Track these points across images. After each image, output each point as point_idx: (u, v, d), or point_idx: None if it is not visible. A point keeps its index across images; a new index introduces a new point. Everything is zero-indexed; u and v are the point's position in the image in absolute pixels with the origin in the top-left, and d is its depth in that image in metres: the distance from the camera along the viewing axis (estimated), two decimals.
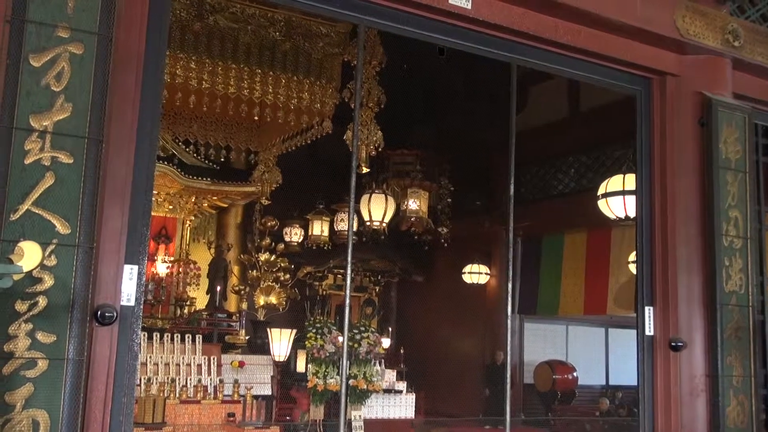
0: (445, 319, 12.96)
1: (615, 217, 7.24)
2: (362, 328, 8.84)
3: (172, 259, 10.38)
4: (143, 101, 3.61)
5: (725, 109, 5.07)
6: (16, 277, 2.68)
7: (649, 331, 5.02)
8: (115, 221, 3.43)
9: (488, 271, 12.70)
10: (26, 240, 2.66)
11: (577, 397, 12.72)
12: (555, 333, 14.00)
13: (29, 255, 2.45)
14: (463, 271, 12.70)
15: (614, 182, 7.21)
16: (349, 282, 4.57)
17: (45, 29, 3.16)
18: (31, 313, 3.01)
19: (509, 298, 5.43)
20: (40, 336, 3.03)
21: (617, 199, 7.13)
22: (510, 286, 5.66)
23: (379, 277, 14.16)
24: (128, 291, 3.50)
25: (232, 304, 10.63)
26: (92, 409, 3.29)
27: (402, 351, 13.71)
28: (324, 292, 13.60)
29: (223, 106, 7.52)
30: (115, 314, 3.36)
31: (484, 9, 4.48)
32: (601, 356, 14.54)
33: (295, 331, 8.45)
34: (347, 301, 4.51)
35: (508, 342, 5.65)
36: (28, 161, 3.07)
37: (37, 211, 3.06)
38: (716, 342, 4.81)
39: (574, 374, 12.62)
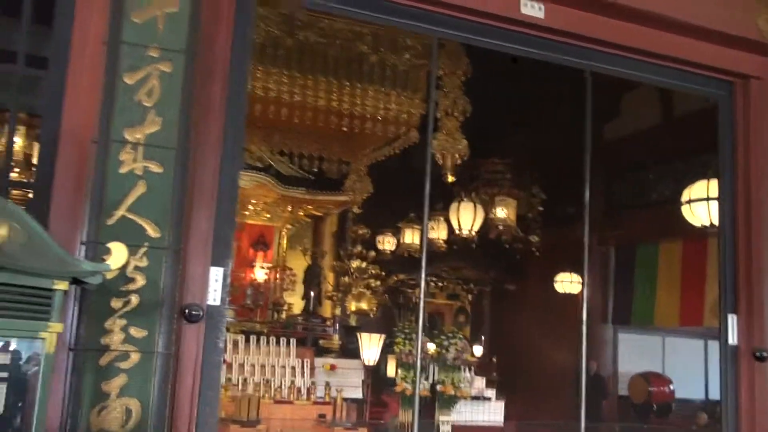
0: (538, 328, 12.84)
1: (699, 225, 7.07)
2: (450, 335, 8.92)
3: (269, 265, 10.69)
4: (228, 113, 3.79)
5: None
6: (108, 275, 2.92)
7: (732, 340, 4.90)
8: (202, 226, 3.62)
9: (580, 280, 12.49)
10: (118, 243, 2.83)
11: (674, 410, 12.31)
12: (651, 344, 13.58)
13: (116, 255, 2.65)
14: (555, 279, 12.55)
15: (698, 188, 7.03)
16: (423, 286, 4.70)
17: (138, 50, 3.38)
18: (124, 310, 3.22)
19: (584, 304, 5.38)
20: (133, 331, 3.23)
21: (701, 205, 6.94)
22: (585, 291, 5.60)
23: (472, 286, 14.16)
24: (214, 292, 3.70)
25: (326, 310, 10.87)
26: (180, 400, 3.48)
27: (494, 360, 13.72)
28: (416, 300, 13.71)
29: (314, 118, 7.77)
30: (201, 313, 3.57)
31: (557, 17, 4.50)
32: (700, 369, 14.01)
33: (384, 336, 8.60)
34: (422, 304, 4.62)
35: (583, 348, 5.53)
36: (122, 171, 3.30)
37: (130, 217, 3.28)
38: None
39: (671, 387, 12.22)
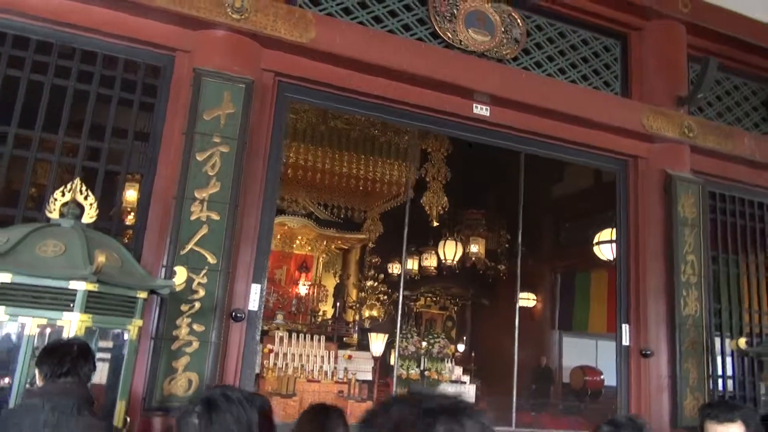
0: (504, 332, 12.79)
1: (605, 259, 7.15)
2: (435, 335, 9.00)
3: (309, 283, 10.81)
4: (267, 179, 4.03)
5: (683, 182, 5.03)
6: (178, 288, 3.15)
7: (626, 342, 4.98)
8: (246, 256, 3.84)
9: (534, 297, 12.52)
10: (183, 266, 3.03)
11: (603, 394, 12.16)
12: (587, 345, 13.44)
13: (179, 274, 2.86)
14: (512, 297, 12.56)
15: (605, 234, 7.14)
16: (401, 299, 4.84)
17: (206, 137, 3.66)
18: (190, 312, 3.44)
19: (516, 313, 5.45)
20: (195, 326, 3.44)
21: (607, 246, 7.04)
22: (518, 306, 5.63)
23: (457, 300, 14.19)
24: (253, 301, 3.91)
25: (349, 316, 10.95)
26: (227, 373, 3.66)
27: (473, 354, 13.70)
28: (417, 310, 13.76)
29: (339, 180, 7.99)
30: (244, 315, 3.78)
31: (498, 115, 4.69)
32: None
33: (387, 335, 8.69)
34: (399, 305, 4.74)
35: (515, 346, 5.61)
36: (192, 218, 3.54)
37: (196, 249, 3.52)
38: (675, 352, 4.73)
39: (601, 377, 12.09)
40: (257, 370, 8.37)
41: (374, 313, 9.88)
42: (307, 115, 7.42)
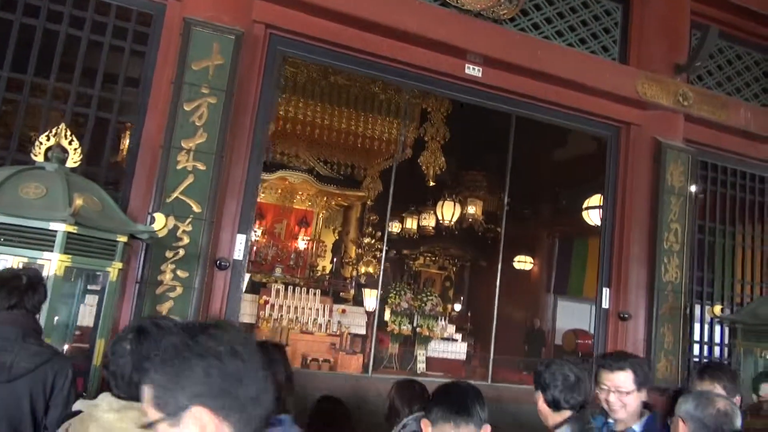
0: (501, 293, 12.99)
1: (593, 224, 7.17)
2: (428, 293, 9.12)
3: (308, 238, 10.92)
4: (255, 132, 4.07)
5: (673, 150, 5.03)
6: (162, 235, 3.23)
7: (605, 305, 5.07)
8: (231, 207, 3.92)
9: (531, 261, 12.62)
10: (162, 214, 3.11)
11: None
12: (582, 310, 13.63)
13: (159, 221, 2.94)
14: (513, 260, 12.69)
15: (594, 199, 7.14)
16: (384, 256, 4.89)
17: (194, 88, 3.68)
18: (174, 259, 3.53)
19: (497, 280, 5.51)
20: (179, 272, 3.54)
21: (595, 211, 7.06)
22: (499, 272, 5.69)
23: (456, 260, 14.34)
24: (239, 250, 4.01)
25: (346, 271, 11.10)
26: (211, 318, 3.81)
27: (469, 314, 13.93)
28: (416, 269, 13.93)
29: (338, 136, 8.00)
30: (228, 264, 3.89)
31: (491, 76, 4.67)
32: None
33: (380, 291, 8.85)
34: (382, 266, 4.83)
35: (495, 307, 5.71)
36: (178, 167, 3.59)
37: (182, 198, 3.59)
38: (652, 316, 4.83)
39: (593, 340, 12.29)
40: (253, 321, 8.61)
41: (370, 269, 10.02)
42: (307, 70, 7.37)
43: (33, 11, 3.65)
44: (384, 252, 5.42)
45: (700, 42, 4.97)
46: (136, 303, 3.46)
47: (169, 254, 3.53)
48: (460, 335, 10.48)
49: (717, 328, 5.30)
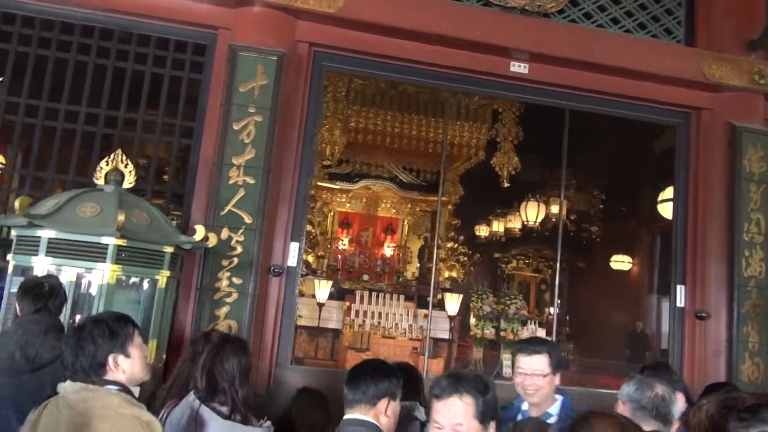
0: (599, 294, 12.47)
1: (669, 218, 6.64)
2: (512, 296, 8.96)
3: (394, 245, 11.11)
4: (304, 145, 4.30)
5: (750, 134, 4.65)
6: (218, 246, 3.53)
7: (680, 303, 4.78)
8: (283, 217, 4.16)
9: (630, 260, 11.97)
10: (200, 225, 3.37)
11: None
12: None
13: (199, 233, 3.21)
14: (610, 260, 12.11)
15: (667, 192, 6.65)
16: (435, 257, 4.92)
17: (241, 108, 3.97)
18: (229, 267, 3.81)
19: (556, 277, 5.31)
20: (234, 279, 3.82)
21: (669, 204, 6.56)
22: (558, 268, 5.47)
23: (551, 263, 13.91)
24: (292, 257, 4.23)
25: (435, 276, 11.13)
26: (267, 323, 4.05)
27: (567, 317, 13.45)
28: (508, 272, 13.69)
29: (408, 143, 8.12)
30: (281, 270, 4.13)
31: (538, 72, 4.59)
32: None
33: (462, 295, 8.82)
34: (434, 265, 4.87)
35: (556, 305, 5.50)
36: (230, 182, 3.89)
37: (234, 210, 3.88)
38: (733, 315, 4.48)
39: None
40: (339, 326, 8.91)
41: (453, 274, 10.01)
42: (375, 81, 7.58)
43: (104, 53, 4.13)
44: (434, 261, 5.41)
45: None
46: (196, 307, 3.79)
47: (224, 263, 3.83)
48: (550, 338, 10.17)
49: None
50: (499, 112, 8.05)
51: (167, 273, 3.11)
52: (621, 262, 11.98)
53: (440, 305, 9.94)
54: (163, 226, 3.11)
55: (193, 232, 3.62)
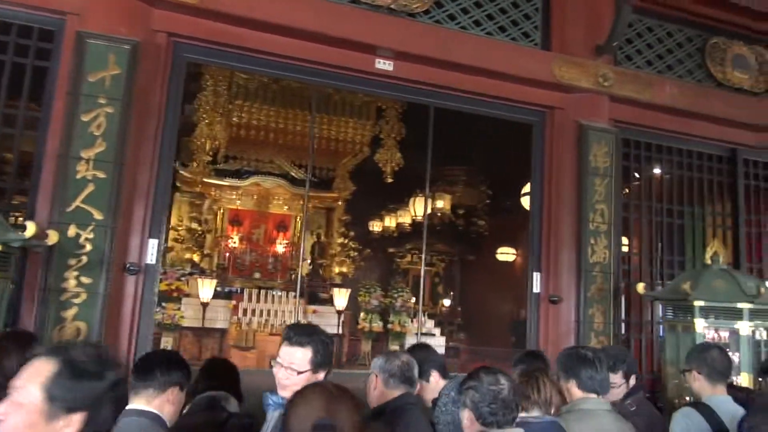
0: (488, 287, 13.01)
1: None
2: (399, 289, 9.17)
3: (286, 242, 11.01)
4: (163, 137, 4.12)
5: (595, 131, 5.03)
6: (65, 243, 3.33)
7: (536, 289, 5.09)
8: (140, 212, 3.97)
9: (515, 252, 12.60)
10: (31, 222, 3.16)
11: None
12: None
13: (29, 229, 3.02)
14: (496, 252, 12.69)
15: (528, 186, 7.07)
16: (303, 248, 4.92)
17: (91, 99, 3.76)
18: (77, 265, 3.61)
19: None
20: (83, 279, 3.61)
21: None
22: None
23: (443, 256, 14.34)
24: (151, 255, 4.08)
25: (326, 273, 11.16)
26: (123, 322, 3.85)
27: (459, 309, 13.95)
28: (403, 267, 13.94)
29: (293, 139, 8.07)
30: (138, 269, 3.96)
31: (403, 70, 4.69)
32: None
33: (350, 290, 8.91)
34: (300, 260, 4.89)
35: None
36: (78, 177, 3.68)
37: (82, 206, 3.67)
38: (580, 298, 4.83)
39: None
40: (225, 326, 8.70)
41: (344, 269, 10.08)
42: (258, 76, 7.46)
43: None
44: (303, 260, 5.42)
45: (615, 20, 4.96)
46: (39, 310, 3.55)
47: (72, 261, 3.62)
48: (439, 330, 10.51)
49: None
50: (383, 109, 8.21)
51: None
52: (506, 254, 12.58)
53: (330, 301, 10.00)
54: None
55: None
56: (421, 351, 2.81)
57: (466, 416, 1.97)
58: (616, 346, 4.25)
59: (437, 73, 4.80)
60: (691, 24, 5.81)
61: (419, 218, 10.33)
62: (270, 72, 4.64)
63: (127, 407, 1.77)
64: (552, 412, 2.21)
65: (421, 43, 4.64)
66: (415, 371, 2.40)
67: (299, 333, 2.13)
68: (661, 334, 5.03)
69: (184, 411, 2.30)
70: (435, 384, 2.81)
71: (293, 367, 2.04)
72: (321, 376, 2.08)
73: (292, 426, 1.35)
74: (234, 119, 7.61)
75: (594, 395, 2.43)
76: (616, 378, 2.97)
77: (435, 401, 2.63)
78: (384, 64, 4.63)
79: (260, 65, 4.48)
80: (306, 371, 2.04)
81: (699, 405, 2.62)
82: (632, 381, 3.06)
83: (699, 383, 2.76)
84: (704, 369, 2.73)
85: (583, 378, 2.44)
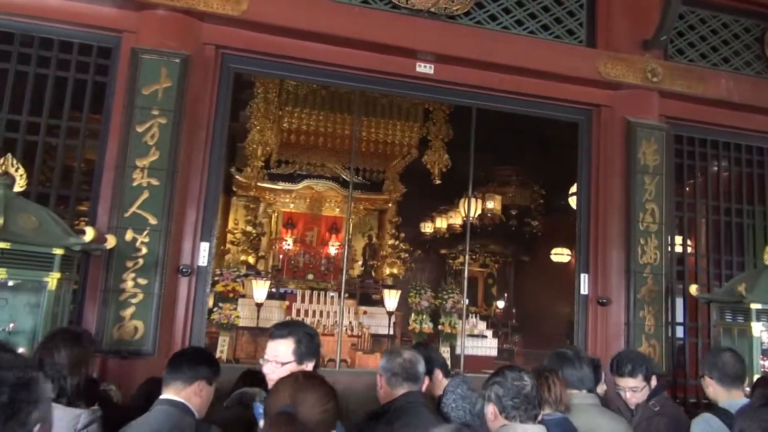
0: (543, 287, 12.81)
1: None
2: (449, 290, 9.14)
3: (339, 244, 11.15)
4: (213, 146, 4.34)
5: (644, 128, 4.90)
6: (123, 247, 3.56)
7: (584, 291, 5.00)
8: (191, 217, 4.18)
9: (569, 252, 12.32)
10: (90, 227, 3.38)
11: None
12: None
13: (88, 234, 3.23)
14: (550, 253, 12.45)
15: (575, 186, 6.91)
16: (346, 250, 5.02)
17: (145, 111, 4.00)
18: (134, 267, 3.84)
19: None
20: (139, 280, 3.86)
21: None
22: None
23: (497, 257, 14.21)
24: (203, 257, 4.27)
25: (378, 274, 11.26)
26: (176, 323, 4.07)
27: (513, 310, 13.77)
28: (455, 268, 13.89)
29: (342, 143, 8.19)
30: (190, 270, 4.15)
31: (443, 72, 4.72)
32: None
33: (400, 291, 8.96)
34: (345, 261, 4.97)
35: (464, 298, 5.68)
36: (134, 184, 3.92)
37: (138, 212, 3.91)
38: (629, 300, 4.72)
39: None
40: None
41: (395, 270, 10.15)
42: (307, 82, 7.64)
43: (4, 56, 4.10)
44: (345, 253, 5.51)
45: (663, 14, 4.82)
46: (100, 309, 3.80)
47: (129, 264, 3.86)
48: (491, 332, 10.41)
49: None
50: (430, 111, 8.23)
51: (57, 275, 3.12)
52: (560, 255, 12.33)
53: (382, 302, 10.08)
54: (53, 229, 3.12)
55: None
56: (423, 350, 2.85)
57: (490, 410, 2.04)
58: (634, 351, 4.10)
59: (479, 75, 4.81)
60: (748, 13, 5.56)
61: (471, 219, 10.27)
62: (313, 79, 4.78)
63: (159, 397, 1.93)
64: (562, 409, 2.32)
65: (461, 45, 4.66)
66: (420, 367, 2.41)
67: (280, 327, 2.18)
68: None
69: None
70: (438, 382, 2.92)
71: (277, 360, 2.07)
72: (309, 367, 2.09)
73: (267, 414, 1.42)
74: (284, 125, 7.82)
75: (576, 390, 2.61)
76: (637, 382, 2.97)
77: (440, 398, 2.77)
78: (425, 68, 4.68)
79: (304, 73, 4.62)
80: (290, 362, 2.06)
81: (719, 410, 2.57)
82: (653, 382, 3.03)
83: (712, 388, 2.73)
84: (715, 374, 2.70)
85: (566, 375, 2.61)
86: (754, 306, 3.99)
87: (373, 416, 2.36)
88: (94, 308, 3.82)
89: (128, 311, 3.83)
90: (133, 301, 3.84)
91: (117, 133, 4.08)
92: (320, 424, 1.39)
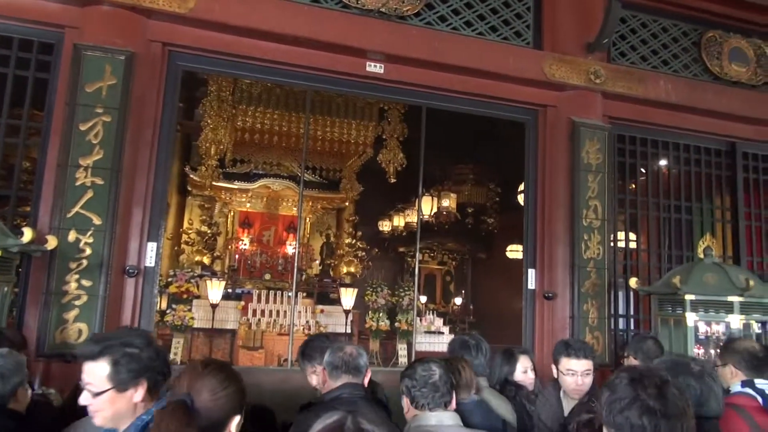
0: (499, 284, 13.03)
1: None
2: (405, 288, 9.21)
3: (296, 243, 11.08)
4: (160, 145, 4.28)
5: (587, 128, 5.06)
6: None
7: (531, 286, 5.14)
8: (138, 217, 4.12)
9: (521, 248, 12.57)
10: (28, 228, 3.30)
11: None
12: None
13: (26, 235, 3.16)
14: (506, 249, 12.68)
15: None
16: (298, 248, 5.03)
17: (88, 108, 3.91)
18: (78, 269, 3.77)
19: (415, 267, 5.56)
20: (83, 282, 3.77)
21: None
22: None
23: (455, 255, 14.37)
24: (150, 258, 4.21)
25: (336, 273, 11.25)
26: (123, 324, 4.00)
27: (471, 307, 13.97)
28: (414, 266, 13.98)
29: (296, 142, 8.17)
30: (137, 271, 4.09)
31: (393, 72, 4.77)
32: None
33: (356, 290, 8.98)
34: (297, 259, 4.98)
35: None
36: (77, 183, 3.83)
37: (82, 212, 3.82)
38: (574, 294, 4.87)
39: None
40: (235, 326, 8.84)
41: (352, 269, 10.16)
42: (261, 81, 7.58)
43: None
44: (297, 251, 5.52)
45: (605, 17, 4.98)
46: (42, 312, 3.70)
47: (73, 265, 3.77)
48: (448, 328, 10.55)
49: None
50: (386, 110, 8.28)
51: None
52: (516, 251, 12.56)
53: (339, 301, 10.08)
54: None
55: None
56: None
57: (404, 403, 2.12)
58: (579, 341, 4.26)
59: (428, 75, 4.87)
60: (687, 18, 5.80)
61: (427, 217, 10.38)
62: (263, 78, 4.75)
63: None
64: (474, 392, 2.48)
65: (411, 45, 4.71)
66: (362, 360, 2.46)
67: (91, 343, 1.64)
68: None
69: None
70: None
71: (89, 388, 1.58)
72: (139, 392, 1.60)
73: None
74: (239, 123, 7.74)
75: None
76: (590, 365, 3.06)
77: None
78: (375, 67, 4.71)
79: (254, 71, 4.60)
80: (105, 391, 1.57)
81: None
82: None
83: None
84: (639, 356, 3.03)
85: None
86: (688, 297, 4.18)
87: (306, 405, 2.40)
88: (36, 311, 3.72)
89: (72, 314, 3.74)
90: (77, 303, 3.76)
91: (59, 132, 3.98)
92: (214, 410, 1.42)
